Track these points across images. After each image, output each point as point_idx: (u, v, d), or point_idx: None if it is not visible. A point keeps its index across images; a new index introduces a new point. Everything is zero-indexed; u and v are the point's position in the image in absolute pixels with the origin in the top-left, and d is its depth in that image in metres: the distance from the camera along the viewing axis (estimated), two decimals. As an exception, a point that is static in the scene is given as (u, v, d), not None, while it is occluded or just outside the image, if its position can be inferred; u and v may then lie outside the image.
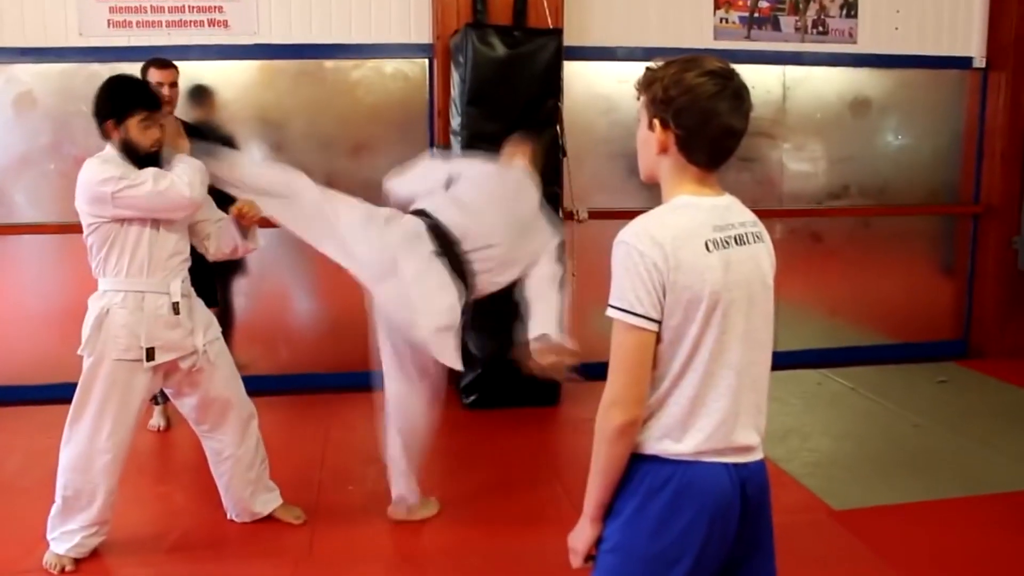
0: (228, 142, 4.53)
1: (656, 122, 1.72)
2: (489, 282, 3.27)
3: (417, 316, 3.12)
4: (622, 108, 5.39)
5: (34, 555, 3.18)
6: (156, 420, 4.57)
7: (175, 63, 4.31)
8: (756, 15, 5.62)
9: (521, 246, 3.29)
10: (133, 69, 4.53)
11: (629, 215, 1.74)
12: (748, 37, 5.62)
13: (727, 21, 5.58)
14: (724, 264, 1.69)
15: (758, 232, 1.79)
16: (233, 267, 4.93)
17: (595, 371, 2.70)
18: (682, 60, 1.71)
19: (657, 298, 1.66)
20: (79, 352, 3.11)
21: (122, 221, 3.03)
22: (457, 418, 4.68)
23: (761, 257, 1.78)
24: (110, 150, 3.10)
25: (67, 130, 4.97)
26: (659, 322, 1.67)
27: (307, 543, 3.39)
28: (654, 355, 1.69)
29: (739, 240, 1.73)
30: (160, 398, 4.38)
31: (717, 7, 5.57)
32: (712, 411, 1.71)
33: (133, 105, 3.05)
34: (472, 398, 4.98)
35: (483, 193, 3.35)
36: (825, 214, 5.99)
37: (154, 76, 4.22)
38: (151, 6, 5.00)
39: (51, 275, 5.07)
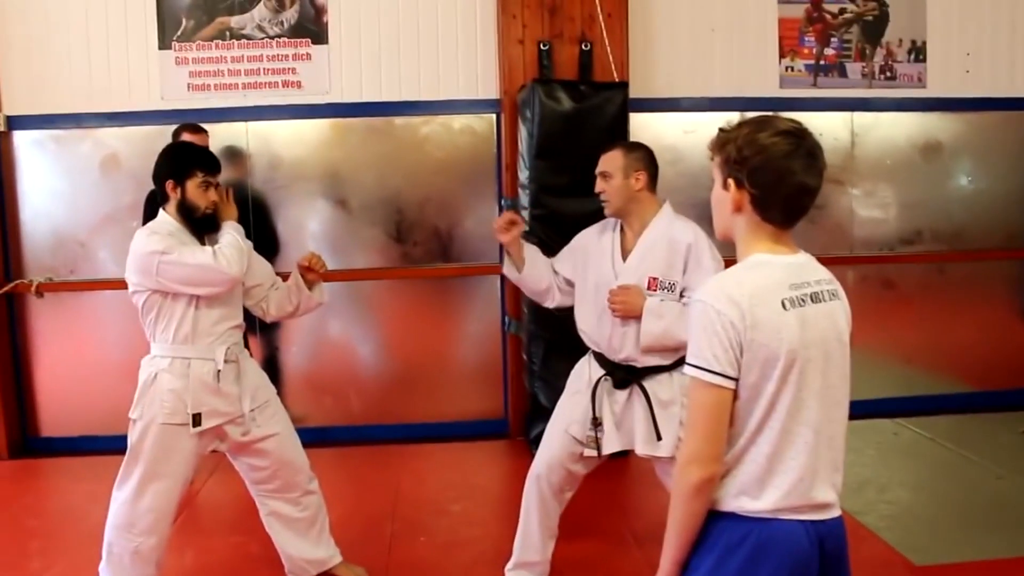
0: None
1: (731, 182, 1.75)
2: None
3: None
4: (688, 158, 5.40)
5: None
6: None
7: (205, 127, 4.54)
8: (822, 63, 5.62)
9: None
10: (211, 130, 4.75)
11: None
12: (815, 84, 5.62)
13: (793, 69, 5.59)
14: (800, 322, 1.70)
15: (834, 290, 1.80)
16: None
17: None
18: (754, 120, 1.74)
19: (734, 356, 1.67)
20: (129, 415, 3.13)
21: (165, 293, 3.07)
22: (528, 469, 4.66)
23: (837, 314, 1.78)
24: (162, 217, 3.14)
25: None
26: (736, 379, 1.68)
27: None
28: (731, 412, 1.70)
29: (815, 298, 1.74)
30: None
31: (782, 56, 5.58)
32: (789, 468, 1.71)
33: (193, 166, 3.12)
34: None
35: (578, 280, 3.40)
36: (897, 260, 5.89)
37: (187, 139, 4.39)
38: (228, 70, 5.22)
39: (135, 328, 5.22)
